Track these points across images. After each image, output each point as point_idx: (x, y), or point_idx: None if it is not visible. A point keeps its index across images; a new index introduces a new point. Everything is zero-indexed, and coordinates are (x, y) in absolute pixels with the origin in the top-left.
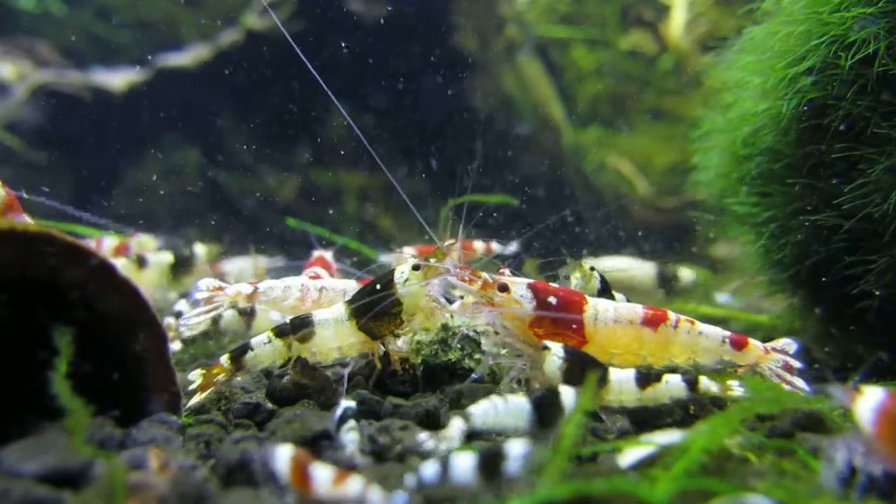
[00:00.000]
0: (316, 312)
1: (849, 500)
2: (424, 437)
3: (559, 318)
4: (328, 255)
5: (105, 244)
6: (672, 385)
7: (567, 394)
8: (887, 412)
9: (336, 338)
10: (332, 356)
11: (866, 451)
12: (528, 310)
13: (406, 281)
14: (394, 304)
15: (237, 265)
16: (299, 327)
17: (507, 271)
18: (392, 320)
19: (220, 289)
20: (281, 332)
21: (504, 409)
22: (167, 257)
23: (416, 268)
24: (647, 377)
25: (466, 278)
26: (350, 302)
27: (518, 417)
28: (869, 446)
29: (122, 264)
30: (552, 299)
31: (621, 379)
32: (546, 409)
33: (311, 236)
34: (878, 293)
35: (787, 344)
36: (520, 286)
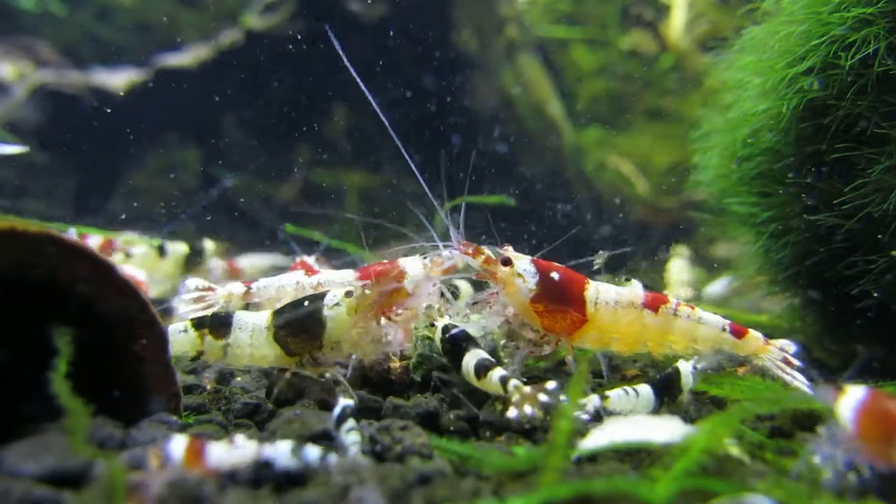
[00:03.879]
0: (241, 312)
1: (848, 499)
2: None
3: (560, 294)
4: (310, 259)
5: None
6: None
7: (684, 368)
8: (867, 410)
9: (250, 343)
10: (242, 361)
11: (849, 449)
12: (530, 284)
13: (335, 305)
14: (316, 325)
15: (252, 261)
16: (216, 324)
17: (510, 247)
18: (311, 341)
19: (211, 288)
20: (198, 324)
21: (633, 395)
22: (183, 248)
23: (348, 294)
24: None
25: (470, 252)
26: (276, 312)
27: (644, 402)
28: (851, 445)
29: (143, 252)
30: (555, 275)
31: None
32: (665, 389)
33: (291, 242)
34: (876, 294)
35: (787, 345)
36: (523, 261)
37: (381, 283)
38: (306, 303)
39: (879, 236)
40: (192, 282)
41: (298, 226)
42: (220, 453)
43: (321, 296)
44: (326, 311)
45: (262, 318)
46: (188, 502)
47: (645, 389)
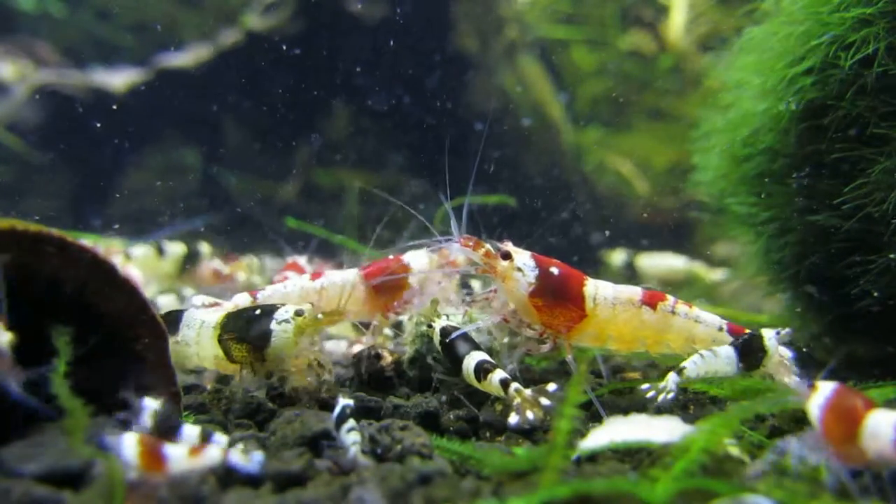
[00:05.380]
0: (194, 310)
1: (849, 499)
2: (646, 387)
3: (559, 289)
4: (301, 259)
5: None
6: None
7: (767, 332)
8: (831, 408)
9: (196, 341)
10: (191, 360)
11: (816, 447)
12: (529, 278)
13: (283, 321)
14: (261, 336)
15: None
16: (167, 322)
17: (510, 242)
18: (253, 352)
19: (217, 303)
20: None
21: (710, 356)
22: (181, 248)
23: (299, 313)
24: None
25: (470, 245)
26: (229, 313)
27: (724, 361)
28: (818, 442)
29: (143, 252)
30: (554, 270)
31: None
32: (747, 349)
33: (281, 242)
34: (876, 294)
35: (784, 352)
36: (523, 255)
37: (332, 313)
38: (258, 311)
39: (883, 235)
40: (199, 298)
41: (300, 224)
42: (180, 458)
43: (273, 308)
44: (274, 325)
45: (213, 316)
46: (188, 502)
47: (724, 349)
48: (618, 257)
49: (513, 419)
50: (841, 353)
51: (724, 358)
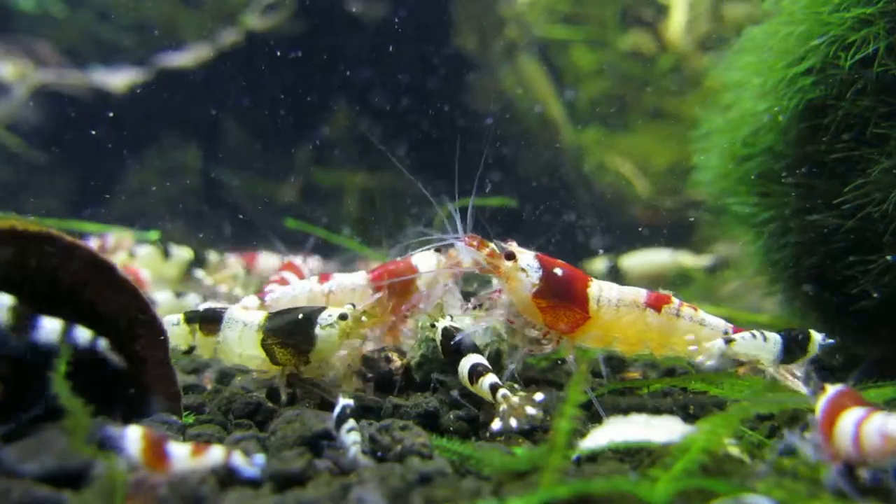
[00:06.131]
0: (234, 310)
1: (849, 499)
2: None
3: (563, 290)
4: (297, 260)
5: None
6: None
7: (816, 336)
8: (826, 410)
9: (238, 343)
10: (232, 360)
11: (816, 445)
12: (533, 279)
13: (328, 326)
14: (305, 340)
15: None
16: (207, 319)
17: (514, 242)
18: (297, 355)
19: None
20: (189, 318)
21: (760, 337)
22: (188, 253)
23: (343, 317)
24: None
25: (474, 245)
26: (270, 315)
27: (771, 348)
28: (817, 441)
29: (147, 253)
30: (558, 271)
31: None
32: (794, 344)
33: (274, 242)
34: (875, 294)
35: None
36: (527, 255)
37: (380, 317)
38: (300, 315)
39: (883, 235)
40: (207, 305)
41: (300, 225)
42: (183, 458)
43: (318, 311)
44: (318, 330)
45: (255, 318)
46: (188, 502)
47: (773, 335)
48: (599, 264)
49: (495, 425)
50: (873, 355)
51: (771, 343)
